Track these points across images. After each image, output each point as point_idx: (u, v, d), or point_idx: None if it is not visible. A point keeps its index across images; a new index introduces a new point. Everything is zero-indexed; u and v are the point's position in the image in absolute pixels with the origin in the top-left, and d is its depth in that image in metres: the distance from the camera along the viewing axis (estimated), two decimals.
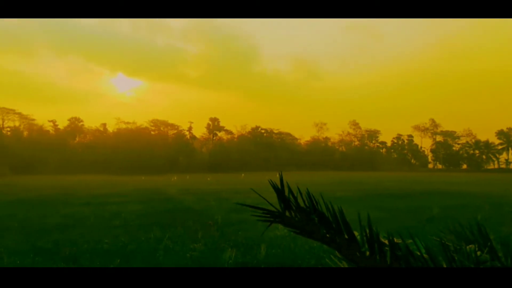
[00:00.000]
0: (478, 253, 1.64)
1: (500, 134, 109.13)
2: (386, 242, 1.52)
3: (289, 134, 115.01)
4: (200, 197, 18.64)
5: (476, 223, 1.84)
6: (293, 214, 1.56)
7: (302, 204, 1.57)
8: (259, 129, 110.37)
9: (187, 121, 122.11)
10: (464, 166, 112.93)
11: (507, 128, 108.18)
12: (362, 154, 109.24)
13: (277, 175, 1.60)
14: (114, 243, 7.63)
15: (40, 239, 8.14)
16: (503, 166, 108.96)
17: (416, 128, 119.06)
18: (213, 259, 6.38)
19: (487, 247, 1.68)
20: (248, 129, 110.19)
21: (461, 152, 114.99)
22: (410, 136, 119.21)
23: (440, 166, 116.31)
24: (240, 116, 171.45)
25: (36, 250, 7.07)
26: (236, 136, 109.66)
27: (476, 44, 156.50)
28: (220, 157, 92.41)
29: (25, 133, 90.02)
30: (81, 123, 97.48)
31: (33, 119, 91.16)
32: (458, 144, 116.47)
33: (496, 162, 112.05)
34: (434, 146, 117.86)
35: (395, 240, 1.52)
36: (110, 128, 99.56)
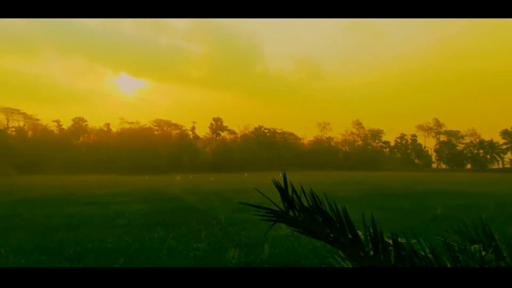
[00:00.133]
0: (483, 253, 1.63)
1: (505, 133, 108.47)
2: (390, 242, 1.51)
3: (292, 134, 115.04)
4: (203, 196, 18.67)
5: (481, 223, 1.83)
6: (296, 213, 1.56)
7: (305, 204, 1.57)
8: (262, 129, 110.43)
9: (190, 121, 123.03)
10: (468, 166, 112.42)
11: (511, 128, 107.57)
12: (366, 154, 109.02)
13: (280, 175, 1.60)
14: (118, 243, 7.65)
15: (44, 238, 8.18)
16: (508, 166, 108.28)
17: (420, 127, 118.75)
18: (216, 258, 6.39)
19: (492, 247, 1.68)
20: (251, 129, 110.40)
21: (465, 152, 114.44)
22: (413, 135, 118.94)
23: (444, 166, 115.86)
24: (243, 116, 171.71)
25: (41, 249, 7.11)
26: (239, 136, 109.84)
27: (480, 43, 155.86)
28: (223, 157, 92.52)
29: (30, 133, 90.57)
30: (85, 123, 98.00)
31: (38, 119, 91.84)
32: (462, 143, 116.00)
33: (500, 162, 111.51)
34: (437, 146, 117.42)
35: (399, 240, 1.51)
36: (114, 128, 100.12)
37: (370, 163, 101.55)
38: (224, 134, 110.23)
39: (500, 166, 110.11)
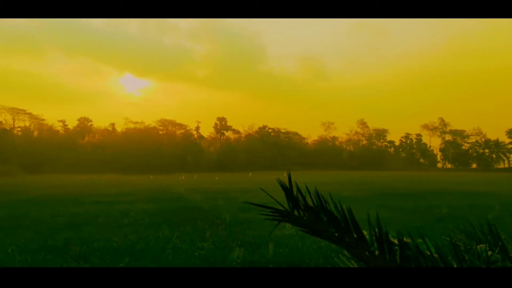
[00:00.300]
0: (489, 253, 1.62)
1: (510, 133, 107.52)
2: (396, 241, 1.51)
3: (296, 134, 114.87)
4: (208, 196, 18.70)
5: (487, 223, 1.82)
6: (301, 213, 1.56)
7: (310, 203, 1.57)
8: (266, 128, 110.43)
9: (194, 121, 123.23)
10: (474, 166, 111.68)
11: None
12: (370, 153, 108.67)
13: (285, 174, 1.61)
14: (123, 242, 7.69)
15: (51, 237, 8.24)
16: None
17: (425, 127, 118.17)
18: (221, 258, 6.40)
19: (498, 247, 1.67)
20: (255, 128, 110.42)
21: (470, 151, 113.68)
22: (418, 135, 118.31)
23: (449, 166, 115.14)
24: (247, 116, 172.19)
25: (47, 248, 7.16)
26: (243, 135, 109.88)
27: (485, 42, 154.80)
28: (228, 156, 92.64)
29: (36, 133, 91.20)
30: (90, 123, 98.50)
31: (43, 119, 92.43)
32: (468, 143, 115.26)
33: (506, 161, 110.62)
34: (443, 145, 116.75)
35: (405, 239, 1.51)
36: (119, 128, 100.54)
37: (375, 162, 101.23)
38: (228, 133, 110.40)
39: (506, 165, 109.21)
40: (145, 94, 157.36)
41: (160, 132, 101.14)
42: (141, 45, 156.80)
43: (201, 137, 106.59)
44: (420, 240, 1.57)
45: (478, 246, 1.66)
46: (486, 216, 10.18)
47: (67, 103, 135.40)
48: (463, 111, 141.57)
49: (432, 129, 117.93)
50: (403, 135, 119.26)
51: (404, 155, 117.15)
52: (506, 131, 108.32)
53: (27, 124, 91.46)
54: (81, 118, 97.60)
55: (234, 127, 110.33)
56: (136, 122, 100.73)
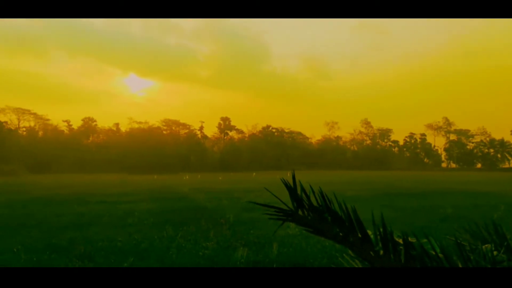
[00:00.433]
0: (495, 252, 1.61)
1: None
2: (400, 241, 1.51)
3: (300, 133, 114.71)
4: (212, 195, 18.73)
5: (492, 222, 1.82)
6: (306, 212, 1.56)
7: (314, 203, 1.57)
8: (270, 128, 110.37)
9: (198, 121, 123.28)
10: (479, 165, 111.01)
11: None
12: (374, 153, 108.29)
13: (288, 174, 1.61)
14: (127, 241, 7.72)
15: (56, 236, 8.29)
16: None
17: (429, 126, 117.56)
18: (225, 257, 6.41)
19: (504, 246, 1.66)
20: (259, 128, 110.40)
21: (475, 151, 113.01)
22: (423, 134, 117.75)
23: (453, 165, 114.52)
24: (251, 116, 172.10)
25: (52, 247, 7.20)
26: (247, 135, 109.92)
27: (490, 41, 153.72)
28: (231, 156, 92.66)
29: (40, 133, 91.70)
30: (95, 123, 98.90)
31: (48, 119, 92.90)
32: (472, 142, 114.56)
33: (511, 161, 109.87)
34: (447, 145, 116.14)
35: (409, 239, 1.50)
36: (123, 128, 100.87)
37: (379, 162, 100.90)
38: (232, 133, 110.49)
39: (511, 165, 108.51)
40: (148, 94, 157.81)
41: (164, 132, 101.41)
42: (145, 45, 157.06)
43: (204, 137, 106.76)
44: (425, 240, 1.56)
45: (484, 246, 1.65)
46: (491, 216, 10.12)
47: (71, 103, 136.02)
48: (467, 110, 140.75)
49: (436, 128, 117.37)
50: (407, 134, 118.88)
51: (408, 154, 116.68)
52: (511, 131, 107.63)
53: (32, 124, 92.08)
54: (86, 118, 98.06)
55: (237, 127, 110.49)
56: (140, 122, 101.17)
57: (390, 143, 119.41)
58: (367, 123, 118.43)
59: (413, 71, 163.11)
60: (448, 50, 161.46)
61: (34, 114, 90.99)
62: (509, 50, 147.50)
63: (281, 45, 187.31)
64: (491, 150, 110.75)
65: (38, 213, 12.23)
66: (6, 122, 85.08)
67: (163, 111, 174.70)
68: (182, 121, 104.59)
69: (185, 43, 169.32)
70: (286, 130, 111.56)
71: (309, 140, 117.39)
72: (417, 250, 1.47)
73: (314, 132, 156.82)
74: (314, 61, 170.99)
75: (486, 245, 1.67)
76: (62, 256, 6.57)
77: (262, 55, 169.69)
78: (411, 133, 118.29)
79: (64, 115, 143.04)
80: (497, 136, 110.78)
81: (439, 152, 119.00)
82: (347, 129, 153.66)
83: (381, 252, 1.47)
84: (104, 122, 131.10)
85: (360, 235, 1.51)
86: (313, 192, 1.59)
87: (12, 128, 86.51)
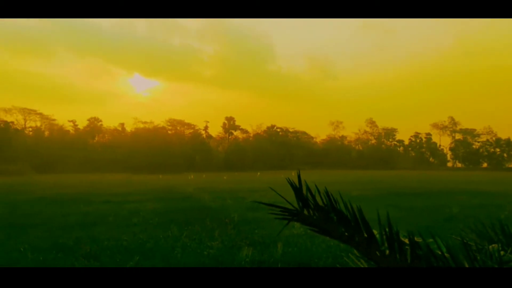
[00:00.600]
0: (502, 252, 1.60)
1: None
2: (406, 241, 1.50)
3: (304, 133, 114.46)
4: (217, 195, 18.75)
5: (499, 222, 1.80)
6: (311, 212, 1.56)
7: (320, 203, 1.57)
8: (275, 128, 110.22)
9: (203, 121, 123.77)
10: (485, 165, 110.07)
11: None
12: (379, 152, 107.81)
13: (293, 174, 1.61)
14: (133, 241, 7.76)
15: (62, 236, 8.35)
16: None
17: (435, 126, 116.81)
18: (230, 257, 6.41)
19: (511, 246, 1.64)
20: (264, 128, 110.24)
21: (481, 150, 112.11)
22: (428, 134, 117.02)
23: (459, 165, 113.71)
24: (255, 115, 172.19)
25: (58, 247, 7.26)
26: (251, 135, 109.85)
27: (495, 41, 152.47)
28: (236, 156, 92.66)
29: (46, 133, 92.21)
30: (100, 123, 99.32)
31: (54, 119, 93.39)
32: (478, 142, 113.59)
33: None
34: (453, 145, 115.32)
35: (415, 239, 1.50)
36: (128, 128, 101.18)
37: (384, 162, 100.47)
38: (236, 133, 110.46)
39: None
40: (153, 94, 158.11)
41: (169, 132, 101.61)
42: (149, 45, 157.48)
43: (209, 136, 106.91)
44: (431, 240, 1.55)
45: (490, 246, 1.64)
46: (497, 215, 10.05)
47: (77, 103, 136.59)
48: (473, 109, 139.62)
49: (442, 128, 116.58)
50: (412, 134, 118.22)
51: (413, 154, 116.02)
52: None
53: (38, 124, 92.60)
54: (91, 118, 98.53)
55: (242, 126, 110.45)
56: (145, 122, 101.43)
57: (395, 142, 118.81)
58: (372, 123, 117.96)
59: (418, 71, 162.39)
60: (454, 49, 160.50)
61: (40, 114, 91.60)
62: None
63: (285, 45, 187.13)
64: (497, 150, 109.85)
65: (44, 213, 12.32)
66: (12, 122, 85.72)
67: (168, 111, 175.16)
68: (187, 121, 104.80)
69: (189, 43, 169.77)
70: (291, 130, 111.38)
71: (314, 139, 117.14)
72: (423, 249, 1.46)
73: (319, 132, 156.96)
74: (319, 60, 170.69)
75: (493, 245, 1.66)
76: (68, 255, 6.62)
77: (266, 55, 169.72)
78: (417, 132, 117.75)
79: (69, 115, 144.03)
80: (503, 135, 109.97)
81: (445, 151, 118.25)
82: (352, 129, 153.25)
83: (387, 252, 1.46)
84: (109, 122, 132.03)
85: (365, 235, 1.50)
86: (319, 191, 1.59)
87: (19, 128, 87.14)
